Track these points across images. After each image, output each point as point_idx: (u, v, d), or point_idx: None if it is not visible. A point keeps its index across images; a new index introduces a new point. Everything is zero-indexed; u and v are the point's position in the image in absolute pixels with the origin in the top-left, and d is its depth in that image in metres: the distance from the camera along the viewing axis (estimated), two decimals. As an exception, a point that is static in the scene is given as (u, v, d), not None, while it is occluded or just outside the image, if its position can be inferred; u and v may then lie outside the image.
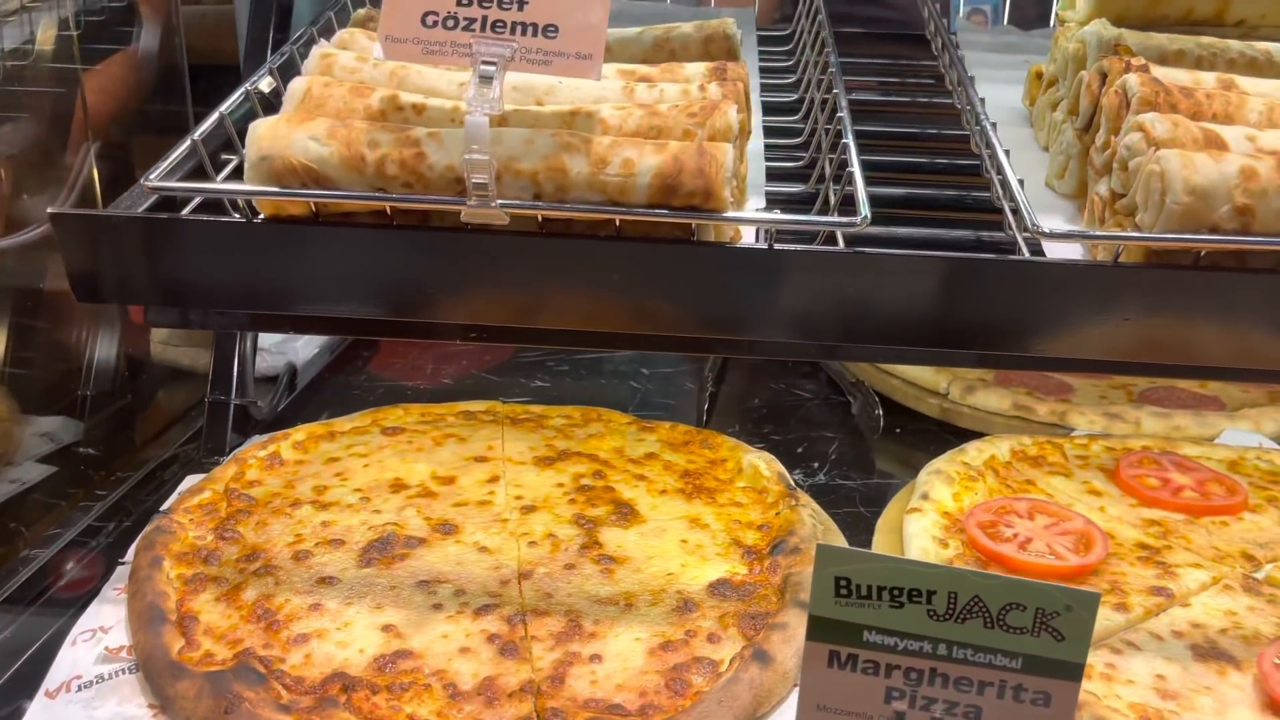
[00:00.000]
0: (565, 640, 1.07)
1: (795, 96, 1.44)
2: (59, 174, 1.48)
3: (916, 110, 1.49)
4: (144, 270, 1.05)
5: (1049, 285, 0.97)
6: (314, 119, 1.00)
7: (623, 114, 1.03)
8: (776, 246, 0.99)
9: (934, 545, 1.24)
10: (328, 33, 1.27)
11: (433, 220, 1.03)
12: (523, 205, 0.97)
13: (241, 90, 1.17)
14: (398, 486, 1.34)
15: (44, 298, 1.48)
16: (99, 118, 1.51)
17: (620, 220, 0.98)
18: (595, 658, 1.05)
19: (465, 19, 0.97)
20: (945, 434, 1.70)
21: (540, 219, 0.99)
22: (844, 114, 1.17)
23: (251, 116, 1.13)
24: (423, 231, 1.02)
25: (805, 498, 1.36)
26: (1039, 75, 1.35)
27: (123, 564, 1.20)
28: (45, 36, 1.53)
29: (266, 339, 1.74)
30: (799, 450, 1.68)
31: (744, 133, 1.08)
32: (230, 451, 1.48)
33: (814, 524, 1.27)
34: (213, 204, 1.08)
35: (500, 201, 0.97)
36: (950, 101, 1.44)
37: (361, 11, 1.29)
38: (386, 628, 1.08)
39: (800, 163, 1.28)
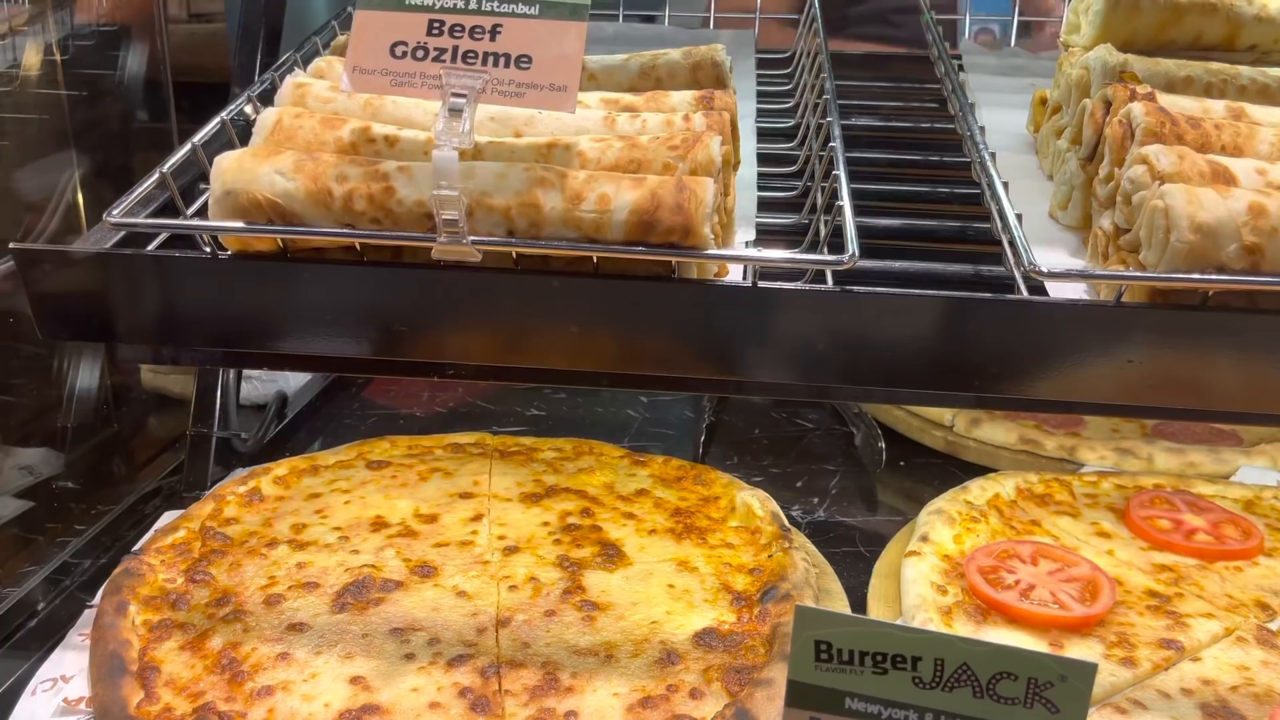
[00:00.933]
0: (541, 695, 1.03)
1: (793, 122, 1.40)
2: (43, 201, 1.45)
3: (918, 136, 1.44)
4: (109, 307, 1.02)
5: (1048, 326, 0.92)
6: (281, 152, 0.96)
7: (602, 146, 0.99)
8: (761, 285, 0.95)
9: (932, 592, 1.19)
10: (311, 57, 1.25)
11: (405, 256, 0.99)
12: (495, 242, 0.93)
13: (217, 119, 1.14)
14: (378, 525, 1.30)
15: (25, 325, 1.45)
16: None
17: (598, 257, 0.94)
18: (571, 715, 1.00)
19: (435, 49, 0.93)
20: (950, 467, 1.65)
21: (515, 255, 0.96)
22: (836, 143, 1.13)
23: (229, 145, 1.11)
24: (394, 268, 0.98)
25: (800, 539, 1.31)
26: (1043, 101, 1.30)
27: (90, 607, 1.17)
28: (31, 61, 1.51)
29: (255, 367, 1.70)
30: (799, 484, 1.63)
31: (730, 164, 1.04)
32: (212, 485, 1.45)
33: (807, 568, 1.22)
34: (183, 238, 1.05)
35: (472, 238, 0.93)
36: (954, 127, 1.39)
37: (342, 38, 1.26)
38: (355, 679, 1.03)
39: (795, 192, 1.24)
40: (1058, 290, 0.97)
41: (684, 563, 1.25)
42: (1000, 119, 1.37)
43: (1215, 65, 1.13)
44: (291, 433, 1.74)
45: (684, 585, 1.20)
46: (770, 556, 1.25)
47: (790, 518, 1.41)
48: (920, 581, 1.20)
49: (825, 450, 1.74)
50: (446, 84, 0.92)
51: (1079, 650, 1.11)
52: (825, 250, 0.98)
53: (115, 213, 0.99)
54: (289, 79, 1.09)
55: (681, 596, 1.18)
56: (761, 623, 1.13)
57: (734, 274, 1.01)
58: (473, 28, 0.93)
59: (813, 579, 1.21)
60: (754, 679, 1.03)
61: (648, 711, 1.00)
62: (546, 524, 1.32)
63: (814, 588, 1.20)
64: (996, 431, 1.63)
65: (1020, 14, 1.67)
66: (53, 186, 1.49)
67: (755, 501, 1.35)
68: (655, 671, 1.06)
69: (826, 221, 1.02)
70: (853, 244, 0.94)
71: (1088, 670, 0.74)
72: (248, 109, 1.21)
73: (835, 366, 0.97)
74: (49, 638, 1.18)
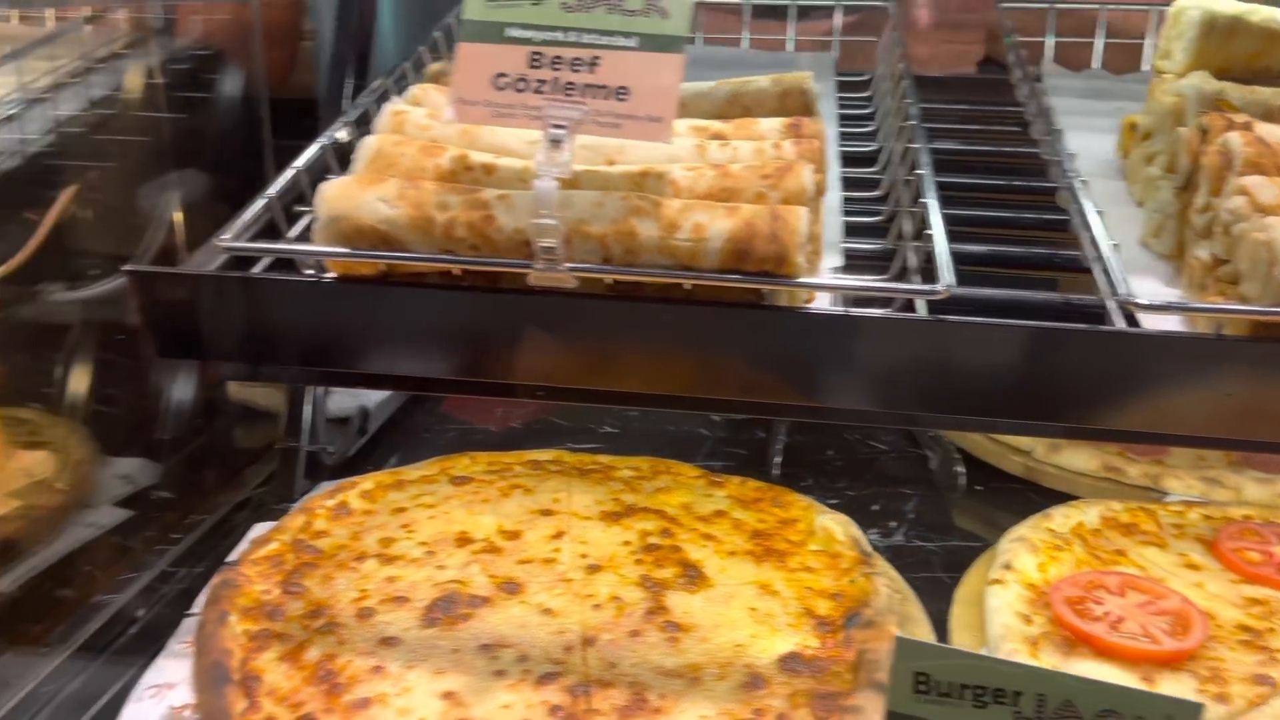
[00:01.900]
0: (629, 715, 1.04)
1: (875, 146, 1.40)
2: (144, 220, 1.51)
3: (1000, 160, 1.43)
4: (216, 327, 1.06)
5: (1145, 358, 0.91)
6: (384, 180, 0.99)
7: (694, 175, 1.01)
8: (852, 312, 0.96)
9: (1018, 621, 1.18)
10: (402, 83, 1.28)
11: (500, 281, 1.02)
12: (591, 269, 0.95)
13: (316, 145, 1.17)
14: (463, 540, 1.33)
15: (127, 341, 1.51)
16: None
17: (691, 284, 0.96)
18: (659, 735, 1.02)
19: (536, 81, 0.95)
20: (1029, 493, 1.62)
21: (610, 281, 0.97)
22: (924, 170, 1.13)
23: (327, 169, 1.14)
24: (490, 293, 1.01)
25: (882, 564, 1.31)
26: (1133, 127, 1.29)
27: (188, 616, 1.21)
28: (133, 84, 1.57)
29: (339, 381, 1.75)
30: (874, 508, 1.63)
31: (821, 191, 1.05)
32: (299, 497, 1.49)
33: (890, 594, 1.22)
34: (285, 260, 1.08)
35: (569, 265, 0.95)
36: (1037, 151, 1.38)
37: (435, 66, 1.29)
38: (447, 694, 1.06)
39: (880, 217, 1.24)
40: (1151, 319, 0.96)
41: (765, 586, 1.25)
42: (1085, 143, 1.36)
43: (1315, 93, 1.11)
44: (372, 446, 1.78)
45: (766, 609, 1.21)
46: (852, 581, 1.25)
47: (868, 541, 1.41)
48: (1005, 611, 1.20)
49: (900, 473, 1.73)
50: (547, 115, 0.94)
51: (1171, 685, 1.10)
52: (917, 276, 0.98)
53: (226, 236, 1.03)
54: (387, 107, 1.12)
55: (764, 620, 1.19)
56: (846, 649, 1.13)
57: (820, 300, 1.02)
58: (572, 60, 0.96)
59: (896, 605, 1.21)
60: (840, 705, 1.04)
61: (736, 736, 1.01)
62: (627, 543, 1.34)
63: (898, 614, 1.20)
64: (1078, 458, 1.61)
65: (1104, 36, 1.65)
66: (153, 206, 1.54)
67: (836, 525, 1.35)
68: (741, 695, 1.06)
69: (915, 250, 1.03)
70: (948, 273, 0.94)
71: (1193, 711, 0.73)
72: (341, 134, 1.24)
73: (926, 394, 0.98)
74: (149, 645, 1.22)
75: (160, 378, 1.55)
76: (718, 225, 0.93)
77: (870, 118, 1.50)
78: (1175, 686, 1.10)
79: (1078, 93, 1.59)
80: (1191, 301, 0.98)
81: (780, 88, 1.18)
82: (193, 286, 1.04)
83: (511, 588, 1.24)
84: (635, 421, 1.91)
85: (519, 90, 0.96)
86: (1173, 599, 1.21)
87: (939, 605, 1.32)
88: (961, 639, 1.23)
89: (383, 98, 1.22)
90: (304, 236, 1.08)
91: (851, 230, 1.19)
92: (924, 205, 1.06)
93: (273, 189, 1.08)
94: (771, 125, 1.11)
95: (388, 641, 1.14)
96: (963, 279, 1.04)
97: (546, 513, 1.41)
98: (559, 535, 1.35)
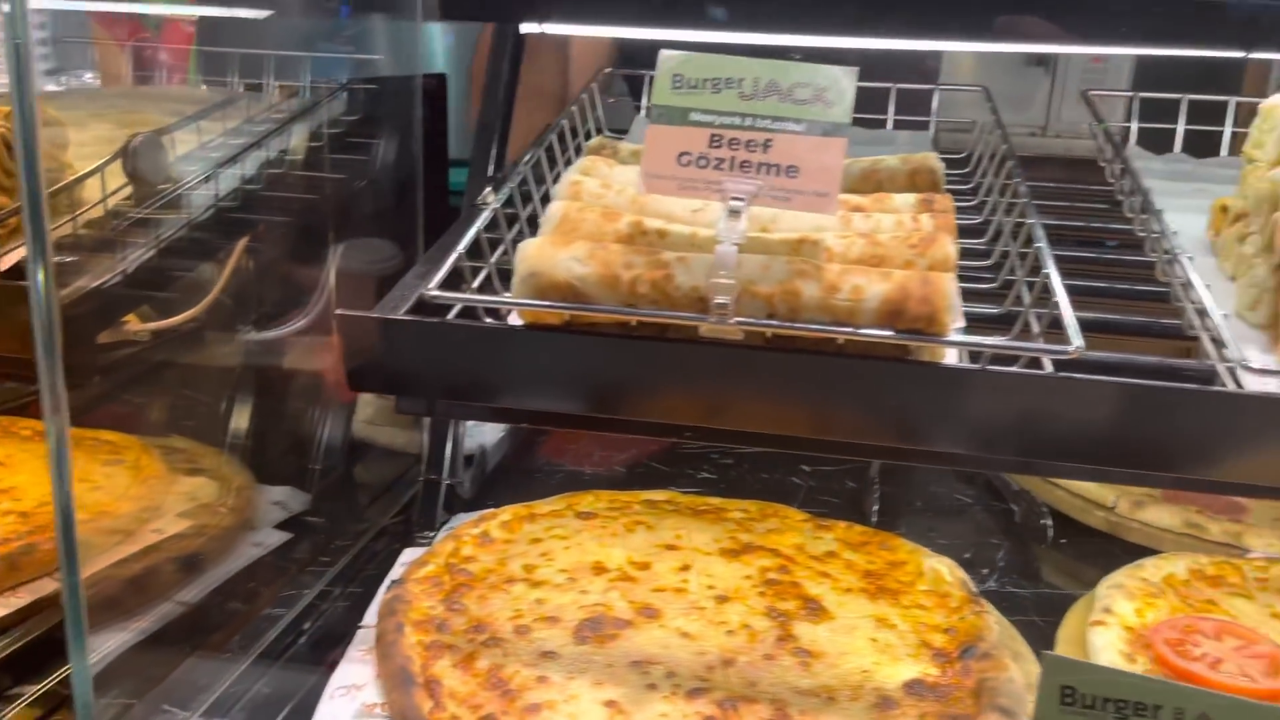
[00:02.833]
0: (775, 726, 1.14)
1: (980, 219, 1.53)
2: (310, 274, 1.67)
3: (1094, 235, 1.56)
4: (411, 366, 1.20)
5: (1261, 417, 1.03)
6: (574, 241, 1.13)
7: (846, 242, 1.14)
8: (989, 369, 1.08)
9: (1121, 660, 1.27)
10: (549, 153, 1.43)
11: (669, 332, 1.15)
12: (758, 324, 1.08)
13: (489, 210, 1.32)
14: (599, 569, 1.45)
15: (285, 380, 1.65)
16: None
17: (844, 339, 1.08)
18: (806, 746, 1.12)
19: (716, 159, 1.09)
20: (1113, 548, 1.72)
21: (769, 334, 1.10)
22: (1042, 243, 1.26)
23: (492, 228, 1.29)
24: (663, 343, 1.14)
25: (988, 605, 1.41)
26: (1224, 208, 1.42)
27: (361, 628, 1.33)
28: (297, 146, 1.73)
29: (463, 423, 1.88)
30: (966, 555, 1.72)
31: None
32: (438, 527, 1.61)
33: (1000, 630, 1.32)
34: (467, 309, 1.22)
35: (737, 319, 1.08)
36: (1128, 228, 1.51)
37: (595, 140, 1.44)
38: (610, 703, 1.17)
39: (991, 284, 1.36)
40: (1253, 382, 1.08)
41: (882, 620, 1.36)
42: (1172, 221, 1.48)
43: (1400, 182, 1.23)
44: (490, 486, 1.91)
45: (885, 640, 1.31)
46: (962, 618, 1.35)
47: (972, 586, 1.51)
48: (1109, 650, 1.29)
49: (987, 524, 1.83)
50: (726, 189, 1.08)
51: (1269, 721, 1.19)
52: (1042, 339, 1.11)
53: (431, 288, 1.17)
54: (566, 177, 1.27)
55: (885, 650, 1.29)
56: (965, 677, 1.23)
57: (949, 356, 1.14)
58: (748, 141, 1.10)
59: (1008, 640, 1.31)
60: (969, 726, 1.14)
61: (876, 748, 1.11)
62: (749, 577, 1.45)
63: (1010, 649, 1.30)
64: (1162, 515, 1.71)
65: (1187, 123, 1.78)
66: (313, 260, 1.70)
67: (944, 568, 1.45)
68: (875, 715, 1.17)
69: (1036, 314, 1.15)
70: (1076, 336, 1.06)
71: (1318, 724, 0.83)
72: (492, 199, 1.39)
73: (1047, 444, 1.10)
74: (318, 654, 1.34)
75: (312, 415, 1.69)
76: (875, 288, 1.06)
77: (973, 192, 1.63)
78: (1274, 723, 1.19)
79: (1159, 174, 1.71)
80: (1295, 366, 1.09)
81: (909, 166, 1.32)
82: (395, 329, 1.18)
83: (650, 613, 1.35)
84: (730, 469, 2.03)
85: (700, 167, 1.10)
86: (1265, 644, 1.31)
87: (1041, 647, 1.41)
88: (1066, 675, 1.33)
89: (537, 166, 1.37)
90: (483, 287, 1.22)
91: (963, 296, 1.32)
92: (1045, 275, 1.18)
93: (461, 245, 1.23)
94: (905, 200, 1.25)
95: (547, 655, 1.25)
96: (1071, 343, 1.17)
97: (670, 547, 1.52)
98: (685, 568, 1.47)
